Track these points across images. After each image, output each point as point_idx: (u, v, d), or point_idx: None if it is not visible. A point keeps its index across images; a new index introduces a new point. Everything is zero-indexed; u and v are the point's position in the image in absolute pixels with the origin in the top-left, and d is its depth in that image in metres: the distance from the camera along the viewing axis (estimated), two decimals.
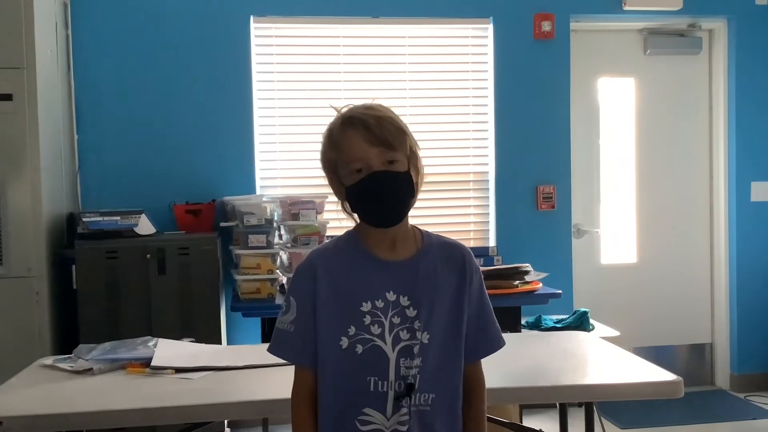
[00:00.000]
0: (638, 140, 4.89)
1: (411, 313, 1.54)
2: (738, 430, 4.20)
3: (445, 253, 1.62)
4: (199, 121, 4.25)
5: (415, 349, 1.53)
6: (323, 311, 1.54)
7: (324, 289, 1.55)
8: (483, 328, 1.64)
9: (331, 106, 1.59)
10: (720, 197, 4.90)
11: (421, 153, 1.59)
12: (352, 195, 1.53)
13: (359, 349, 1.53)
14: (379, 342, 1.52)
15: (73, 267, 3.64)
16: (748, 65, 4.77)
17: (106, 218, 3.76)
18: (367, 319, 1.53)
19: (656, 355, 4.44)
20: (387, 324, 1.53)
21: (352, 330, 1.53)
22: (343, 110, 1.56)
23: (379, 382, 1.52)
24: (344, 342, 1.53)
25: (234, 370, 2.46)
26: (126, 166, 4.18)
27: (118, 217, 3.78)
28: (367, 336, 1.52)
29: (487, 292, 1.67)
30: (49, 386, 2.32)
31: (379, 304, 1.53)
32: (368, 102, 1.57)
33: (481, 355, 1.66)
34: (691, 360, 4.99)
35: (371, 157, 1.49)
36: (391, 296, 1.54)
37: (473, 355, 1.64)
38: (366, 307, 1.53)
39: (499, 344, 1.67)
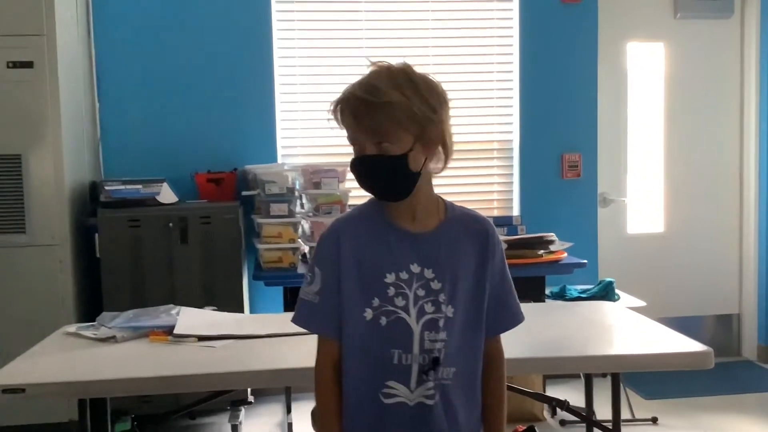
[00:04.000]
0: (667, 107, 4.77)
1: (436, 286, 1.52)
2: (765, 400, 4.14)
3: (468, 226, 1.59)
4: (221, 89, 4.21)
5: (440, 323, 1.51)
6: (347, 281, 1.53)
7: (348, 257, 1.53)
8: (504, 303, 1.62)
9: (366, 57, 1.55)
10: (750, 166, 4.79)
11: (449, 120, 1.53)
12: (351, 170, 1.54)
13: (383, 321, 1.51)
14: (403, 314, 1.51)
15: (96, 235, 3.64)
16: None
17: (128, 187, 3.76)
18: (391, 291, 1.51)
19: (682, 325, 4.31)
20: (411, 296, 1.51)
21: (376, 302, 1.51)
22: (360, 78, 1.50)
23: (403, 355, 1.51)
24: (368, 314, 1.51)
25: (256, 339, 2.45)
26: (148, 135, 4.16)
27: (140, 186, 3.78)
28: (391, 308, 1.50)
29: (508, 264, 1.64)
30: (72, 354, 2.33)
31: (403, 276, 1.51)
32: (384, 67, 1.49)
33: (501, 329, 1.64)
34: (718, 330, 4.92)
35: (362, 141, 1.49)
36: (415, 268, 1.52)
37: (493, 329, 1.62)
38: (390, 278, 1.51)
39: (518, 319, 1.65)
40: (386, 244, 1.53)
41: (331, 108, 1.51)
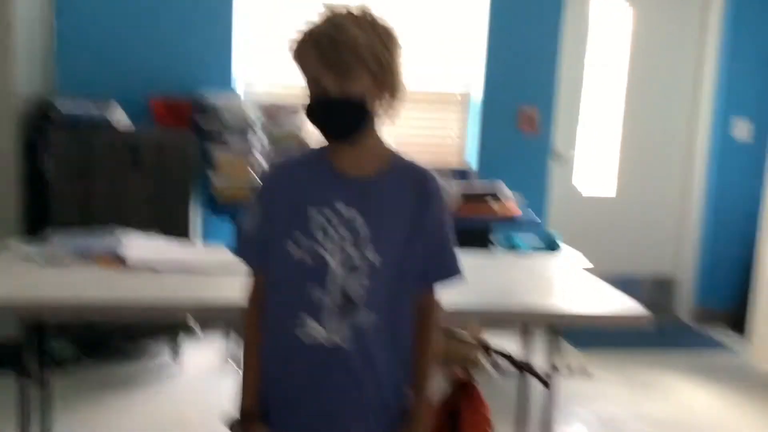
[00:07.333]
0: (627, 66, 4.81)
1: (360, 229, 1.51)
2: (693, 360, 4.32)
3: (407, 176, 1.58)
4: (181, 9, 4.09)
5: (360, 265, 1.51)
6: (275, 216, 1.55)
7: (278, 194, 1.55)
8: (437, 254, 1.60)
9: (324, 4, 1.51)
10: (701, 131, 4.89)
11: (403, 67, 1.52)
12: (306, 111, 1.52)
13: (302, 255, 1.51)
14: (322, 251, 1.51)
15: (45, 154, 3.55)
16: None
17: (80, 106, 3.65)
18: (312, 225, 1.51)
19: (622, 283, 4.50)
20: (334, 234, 1.51)
21: (297, 235, 1.51)
22: (321, 16, 1.48)
23: (320, 292, 1.51)
24: (290, 247, 1.52)
25: (206, 269, 2.44)
26: (102, 54, 4.04)
27: (93, 105, 3.67)
28: (311, 242, 1.51)
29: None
30: (14, 272, 2.29)
31: (326, 212, 1.51)
32: (349, 7, 1.48)
33: (431, 280, 1.61)
34: (656, 290, 5.08)
35: (323, 79, 1.46)
36: (340, 207, 1.51)
37: (425, 281, 1.60)
38: (312, 212, 1.51)
39: (453, 273, 1.62)
40: (317, 183, 1.54)
41: (293, 43, 1.49)
